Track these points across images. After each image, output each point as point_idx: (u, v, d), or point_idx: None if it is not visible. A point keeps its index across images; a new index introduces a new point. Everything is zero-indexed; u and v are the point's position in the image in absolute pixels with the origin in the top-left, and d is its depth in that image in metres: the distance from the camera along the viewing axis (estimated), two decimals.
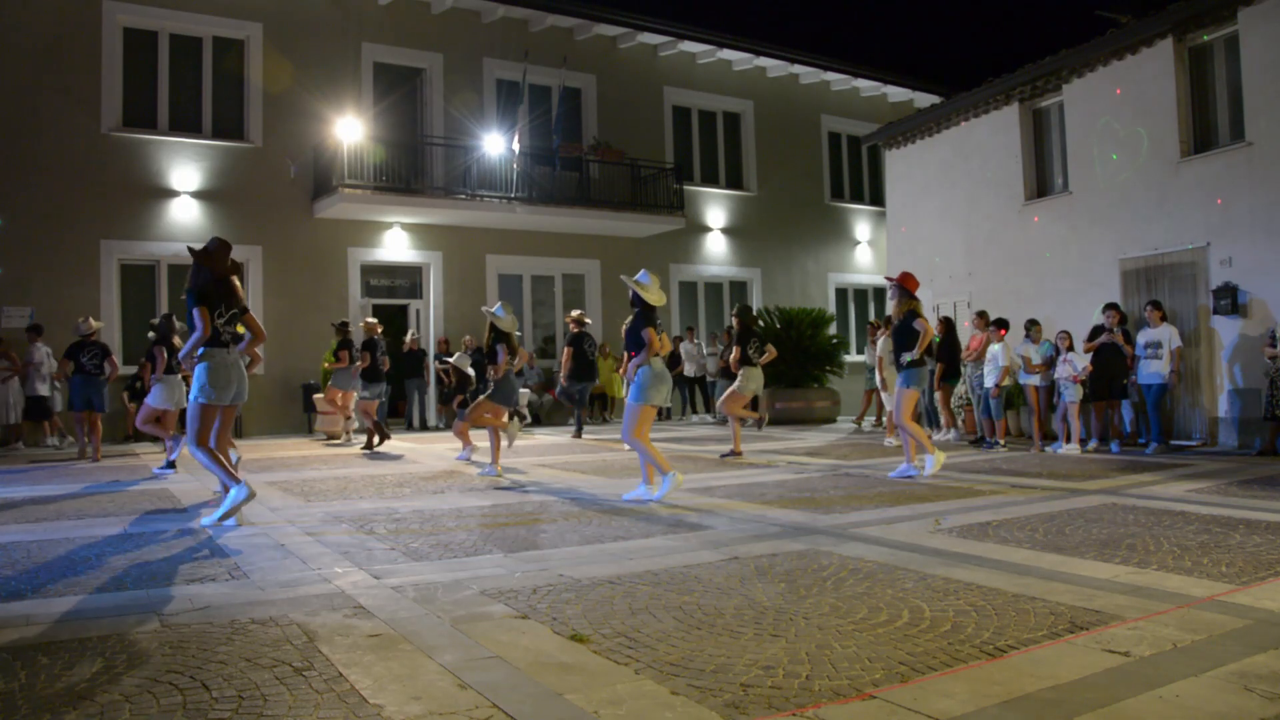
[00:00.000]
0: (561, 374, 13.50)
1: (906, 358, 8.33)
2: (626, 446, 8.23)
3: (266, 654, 3.20)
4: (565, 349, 13.43)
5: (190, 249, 6.22)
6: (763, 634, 3.39)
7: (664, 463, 6.92)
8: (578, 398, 13.43)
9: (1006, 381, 11.03)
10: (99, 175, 13.89)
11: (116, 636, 3.43)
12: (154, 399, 9.47)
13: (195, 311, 5.88)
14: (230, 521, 5.92)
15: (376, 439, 11.56)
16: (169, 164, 14.45)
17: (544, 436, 13.22)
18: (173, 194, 14.45)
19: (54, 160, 13.60)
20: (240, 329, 6.25)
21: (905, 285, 8.58)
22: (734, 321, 10.58)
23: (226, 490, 5.98)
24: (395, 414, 16.25)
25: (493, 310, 9.01)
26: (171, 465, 9.24)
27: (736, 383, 10.25)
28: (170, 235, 14.39)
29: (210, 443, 6.01)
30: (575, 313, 13.26)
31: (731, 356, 10.44)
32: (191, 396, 6.00)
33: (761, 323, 16.68)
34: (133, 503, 7.18)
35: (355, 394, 12.07)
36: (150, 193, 14.30)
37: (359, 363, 11.93)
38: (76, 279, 13.64)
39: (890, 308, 9.00)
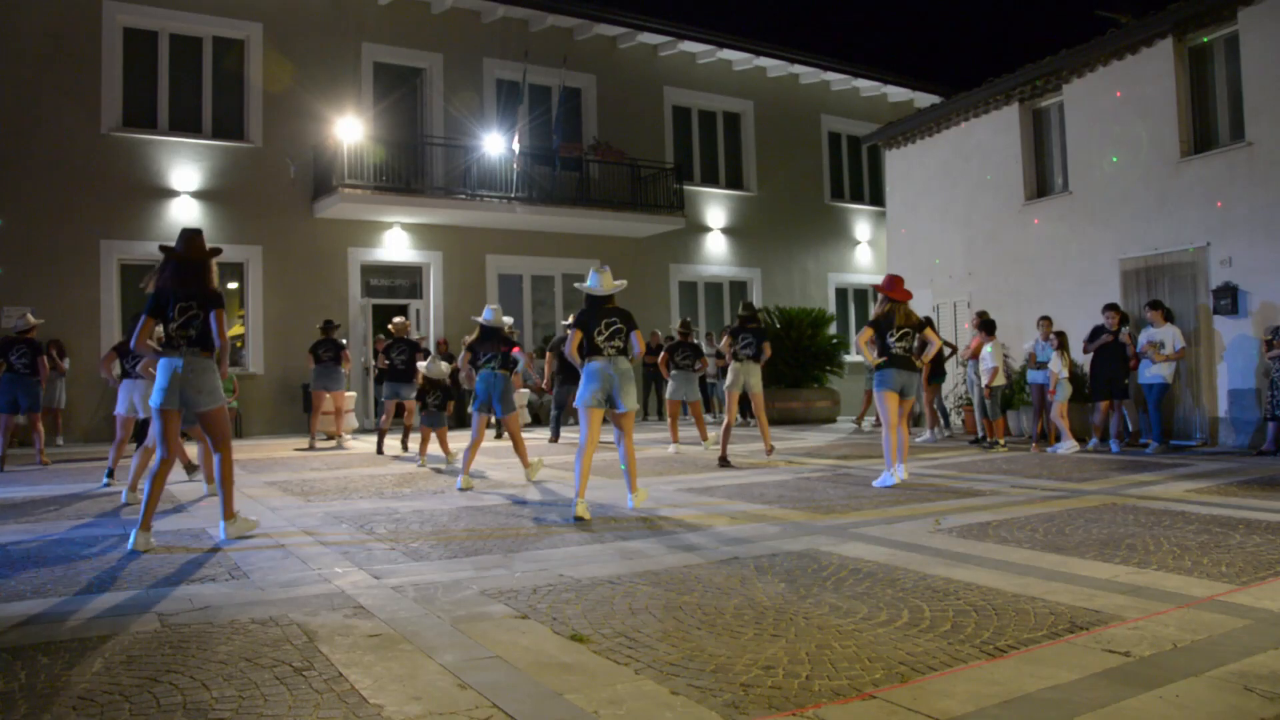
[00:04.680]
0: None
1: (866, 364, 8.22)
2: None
3: (266, 654, 3.20)
4: (548, 354, 13.04)
5: (160, 247, 5.60)
6: (763, 634, 3.39)
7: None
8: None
9: (999, 381, 11.07)
10: (99, 175, 13.89)
11: (116, 636, 3.43)
12: (118, 405, 8.28)
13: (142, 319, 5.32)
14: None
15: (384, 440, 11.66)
16: (169, 164, 14.45)
17: (543, 437, 13.20)
18: (173, 194, 14.45)
19: (54, 160, 13.61)
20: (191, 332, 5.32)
21: (883, 292, 8.08)
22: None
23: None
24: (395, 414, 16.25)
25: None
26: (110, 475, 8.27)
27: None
28: (170, 235, 14.20)
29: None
30: (570, 318, 12.47)
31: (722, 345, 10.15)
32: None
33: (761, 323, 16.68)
34: (132, 503, 7.17)
35: (346, 393, 12.10)
36: (150, 193, 14.30)
37: (346, 363, 12.06)
38: (76, 279, 13.65)
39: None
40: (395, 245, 16.20)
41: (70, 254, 13.64)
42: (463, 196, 15.85)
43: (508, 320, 8.86)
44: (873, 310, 8.41)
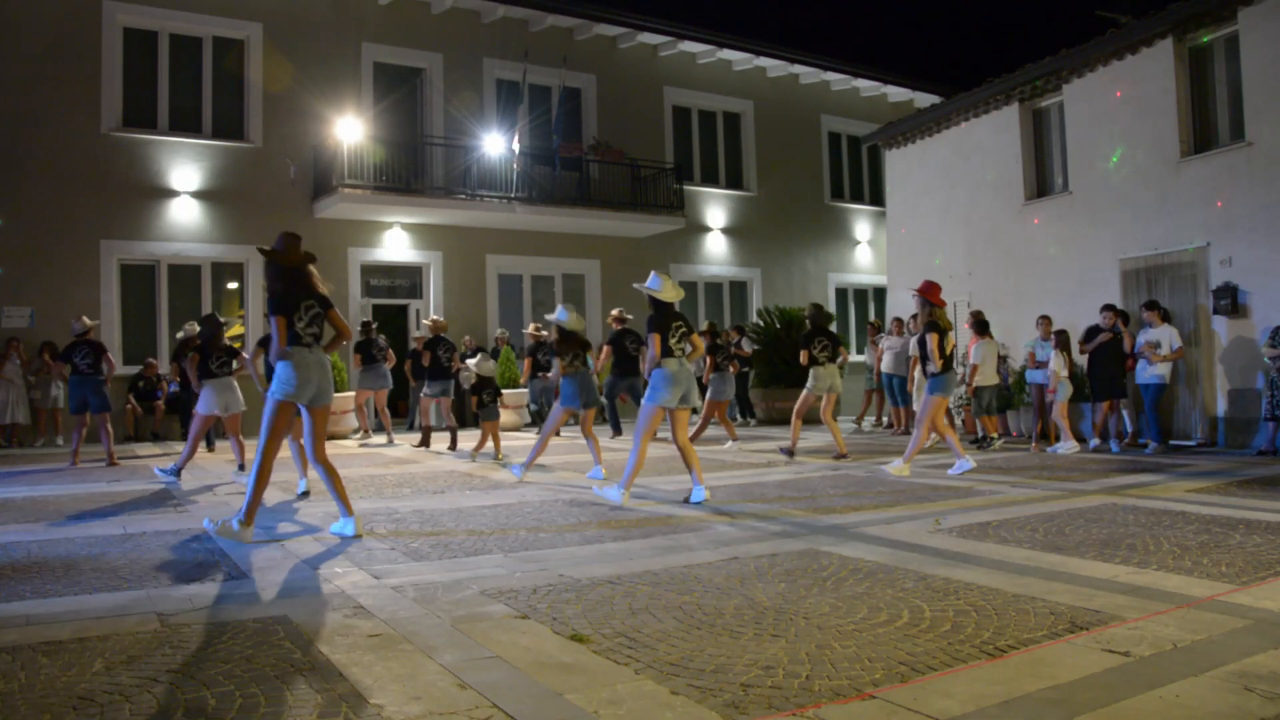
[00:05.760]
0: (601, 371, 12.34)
1: (930, 369, 8.62)
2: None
3: (266, 654, 3.20)
4: (605, 346, 13.19)
5: (260, 249, 6.01)
6: (763, 634, 3.39)
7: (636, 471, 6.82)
8: (615, 394, 12.86)
9: (983, 379, 11.08)
10: (99, 175, 13.88)
11: (116, 636, 3.43)
12: (201, 405, 8.96)
13: (273, 320, 5.55)
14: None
15: (422, 438, 11.90)
16: (169, 164, 14.44)
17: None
18: (173, 194, 14.44)
19: (54, 160, 13.59)
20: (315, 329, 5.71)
21: (925, 295, 8.66)
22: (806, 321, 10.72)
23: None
24: (397, 414, 16.25)
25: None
26: (241, 468, 9.06)
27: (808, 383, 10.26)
28: (170, 235, 14.39)
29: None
30: (616, 311, 12.69)
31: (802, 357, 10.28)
32: (269, 392, 5.65)
33: (761, 322, 16.66)
34: (133, 503, 7.18)
35: (385, 392, 12.96)
36: (150, 193, 14.29)
37: (387, 362, 12.73)
38: (76, 279, 13.64)
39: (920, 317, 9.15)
40: (395, 245, 16.19)
41: (70, 254, 13.62)
42: (463, 196, 15.85)
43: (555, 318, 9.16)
44: (919, 315, 9.05)
